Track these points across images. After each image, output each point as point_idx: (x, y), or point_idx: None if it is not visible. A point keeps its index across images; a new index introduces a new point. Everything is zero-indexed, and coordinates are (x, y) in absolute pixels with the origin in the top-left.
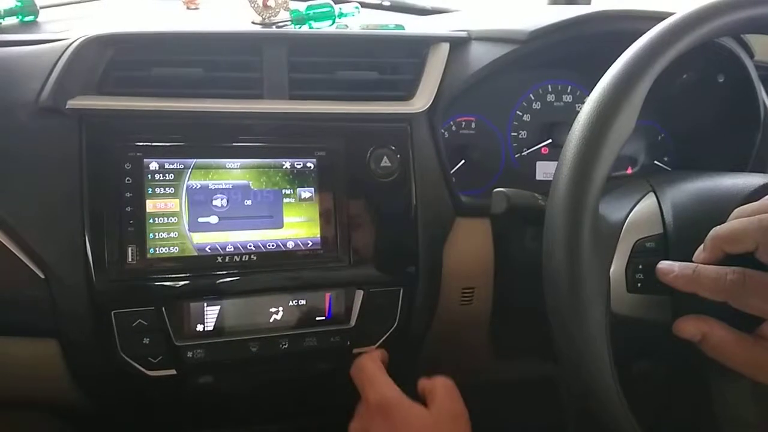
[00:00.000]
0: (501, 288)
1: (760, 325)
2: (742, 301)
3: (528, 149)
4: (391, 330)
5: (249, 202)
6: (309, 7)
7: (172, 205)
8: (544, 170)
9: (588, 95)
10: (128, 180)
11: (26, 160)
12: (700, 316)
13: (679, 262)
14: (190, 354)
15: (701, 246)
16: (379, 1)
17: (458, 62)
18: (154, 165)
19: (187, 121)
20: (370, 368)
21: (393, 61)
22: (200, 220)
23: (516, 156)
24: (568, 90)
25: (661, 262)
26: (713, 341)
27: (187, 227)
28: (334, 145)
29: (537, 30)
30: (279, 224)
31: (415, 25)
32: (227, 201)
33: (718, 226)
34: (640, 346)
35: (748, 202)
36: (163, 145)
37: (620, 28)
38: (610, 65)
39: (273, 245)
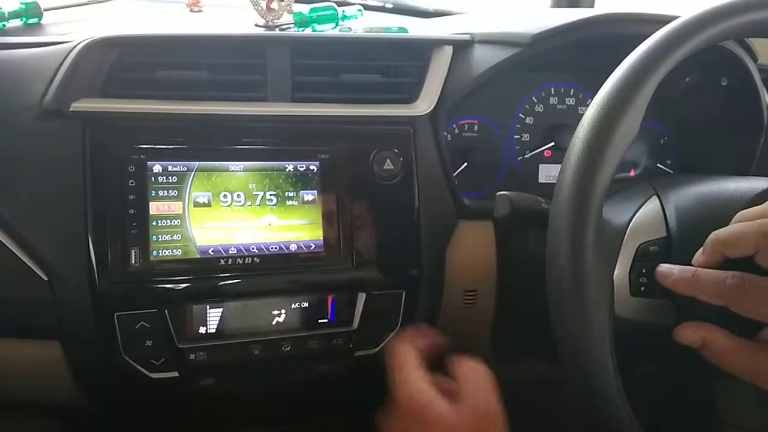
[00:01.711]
0: (503, 291)
1: (761, 331)
2: (741, 305)
3: (531, 152)
4: (393, 333)
5: (252, 205)
6: (312, 10)
7: (176, 207)
8: (547, 173)
9: (591, 98)
10: (131, 182)
11: (30, 163)
12: (701, 323)
13: (679, 266)
14: (192, 356)
15: (701, 249)
16: (382, 4)
17: (461, 65)
18: (157, 168)
19: (191, 123)
20: (401, 358)
21: (396, 64)
22: (203, 222)
23: (519, 159)
24: (571, 93)
25: (661, 265)
26: (714, 348)
27: (190, 230)
28: (337, 148)
29: (540, 33)
30: (282, 227)
31: (418, 28)
32: (230, 203)
33: (718, 230)
34: (644, 349)
35: (751, 206)
36: (166, 148)
37: (623, 32)
38: (613, 68)
39: (276, 248)
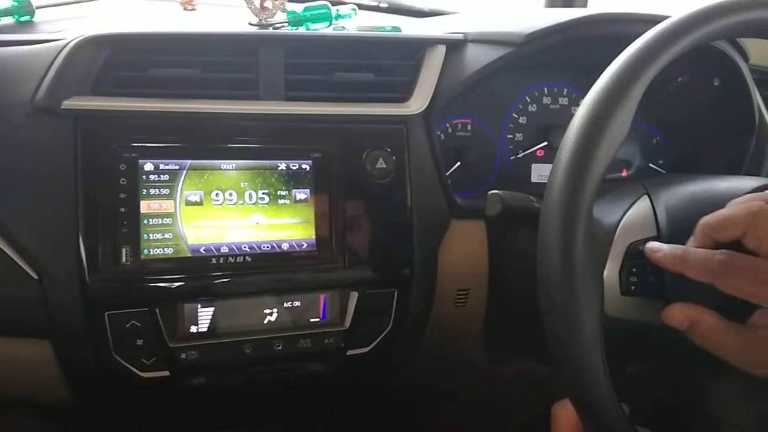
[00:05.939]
0: (495, 290)
1: (752, 315)
2: (727, 282)
3: (523, 151)
4: (385, 332)
5: (244, 204)
6: (306, 9)
7: (167, 206)
8: (540, 172)
9: (583, 98)
10: (123, 181)
11: (21, 160)
12: (689, 304)
13: (669, 244)
14: (183, 355)
15: (692, 237)
16: (376, 3)
17: (454, 64)
18: (149, 166)
19: (183, 122)
20: (565, 425)
21: (389, 63)
22: (195, 221)
23: (511, 158)
24: (564, 92)
25: (650, 242)
26: (702, 329)
27: (181, 228)
28: (330, 147)
29: (533, 33)
30: (274, 226)
31: (411, 27)
32: (222, 202)
33: (708, 215)
34: (634, 348)
35: None
36: (158, 146)
37: (616, 31)
38: (606, 68)
39: (268, 246)
